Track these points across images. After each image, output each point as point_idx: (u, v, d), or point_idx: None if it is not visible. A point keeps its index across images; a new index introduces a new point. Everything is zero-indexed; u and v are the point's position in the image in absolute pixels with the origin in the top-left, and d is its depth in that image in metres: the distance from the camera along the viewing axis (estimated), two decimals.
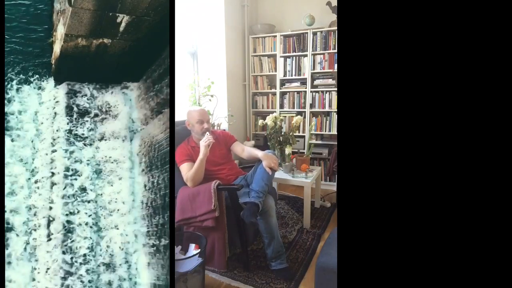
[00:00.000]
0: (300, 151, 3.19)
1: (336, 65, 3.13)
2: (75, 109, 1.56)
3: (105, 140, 1.57)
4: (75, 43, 1.42)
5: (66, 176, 1.48)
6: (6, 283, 1.31)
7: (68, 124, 1.53)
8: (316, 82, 3.26)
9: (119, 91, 1.64)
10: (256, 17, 3.75)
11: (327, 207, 2.80)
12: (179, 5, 2.63)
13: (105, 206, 1.49)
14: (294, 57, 3.33)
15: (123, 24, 1.40)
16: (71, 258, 1.40)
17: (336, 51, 3.11)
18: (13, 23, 1.52)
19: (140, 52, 1.52)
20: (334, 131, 3.25)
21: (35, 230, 1.39)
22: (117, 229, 1.48)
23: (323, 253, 1.32)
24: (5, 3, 1.50)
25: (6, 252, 1.33)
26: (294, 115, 3.33)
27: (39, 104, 1.51)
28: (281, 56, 3.37)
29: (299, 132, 3.27)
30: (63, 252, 1.40)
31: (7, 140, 1.43)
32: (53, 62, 1.54)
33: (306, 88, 3.30)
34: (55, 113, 1.52)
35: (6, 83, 1.48)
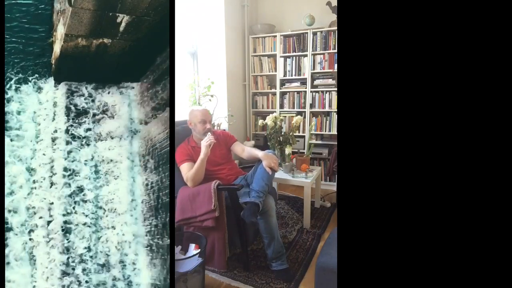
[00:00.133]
0: (300, 151, 3.19)
1: (336, 65, 3.13)
2: (75, 109, 1.55)
3: (105, 140, 1.56)
4: (75, 43, 1.42)
5: (65, 176, 1.48)
6: (5, 283, 1.31)
7: (67, 124, 1.53)
8: (316, 82, 3.26)
9: (119, 91, 1.63)
10: (256, 17, 3.75)
11: (327, 207, 2.80)
12: (179, 5, 2.63)
13: (104, 206, 1.49)
14: (294, 57, 3.33)
15: (123, 24, 1.40)
16: (71, 258, 1.40)
17: (336, 51, 3.11)
18: (13, 23, 1.52)
19: (140, 52, 1.52)
20: (334, 131, 3.25)
21: (33, 230, 1.39)
22: (117, 229, 1.47)
23: (323, 253, 1.32)
24: (5, 3, 1.49)
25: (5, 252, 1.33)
26: (294, 115, 3.33)
27: (38, 103, 1.51)
28: (281, 56, 3.37)
29: (299, 132, 3.27)
30: (62, 252, 1.40)
31: (6, 140, 1.42)
32: (53, 62, 1.54)
33: (306, 88, 3.30)
34: (55, 113, 1.52)
35: (5, 83, 1.47)
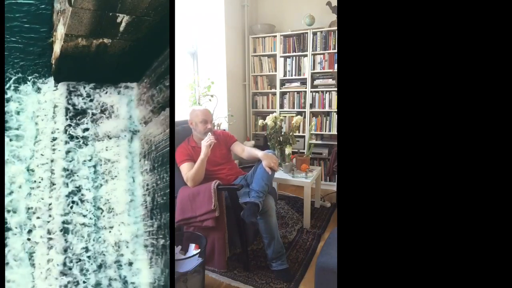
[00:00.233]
0: (300, 151, 3.19)
1: (336, 65, 3.13)
2: (74, 109, 1.55)
3: (104, 140, 1.56)
4: (75, 43, 1.42)
5: (63, 176, 1.47)
6: (5, 283, 1.31)
7: (67, 124, 1.53)
8: (316, 82, 3.26)
9: (119, 91, 1.63)
10: (256, 17, 3.75)
11: (327, 207, 2.80)
12: (179, 5, 2.63)
13: (104, 206, 1.48)
14: (294, 57, 3.33)
15: (123, 24, 1.40)
16: (69, 258, 1.40)
17: (336, 51, 3.11)
18: (13, 23, 1.52)
19: (140, 52, 1.52)
20: (334, 131, 3.25)
21: (31, 230, 1.39)
22: (116, 229, 1.47)
23: (323, 253, 1.32)
24: (5, 3, 1.49)
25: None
26: (294, 115, 3.33)
27: (38, 103, 1.51)
28: (281, 56, 3.37)
29: (299, 132, 3.27)
30: (61, 252, 1.40)
31: (5, 140, 1.42)
32: (53, 62, 1.54)
33: (306, 88, 3.30)
34: (54, 113, 1.52)
35: (5, 83, 1.47)
